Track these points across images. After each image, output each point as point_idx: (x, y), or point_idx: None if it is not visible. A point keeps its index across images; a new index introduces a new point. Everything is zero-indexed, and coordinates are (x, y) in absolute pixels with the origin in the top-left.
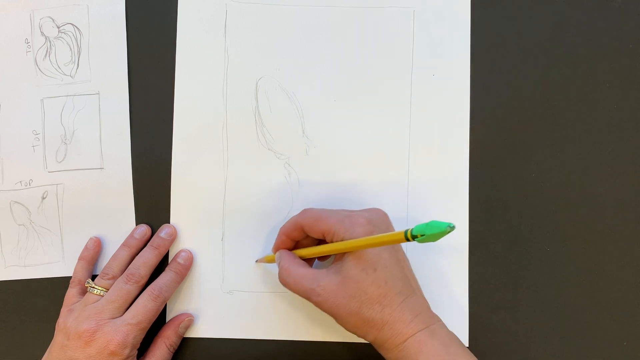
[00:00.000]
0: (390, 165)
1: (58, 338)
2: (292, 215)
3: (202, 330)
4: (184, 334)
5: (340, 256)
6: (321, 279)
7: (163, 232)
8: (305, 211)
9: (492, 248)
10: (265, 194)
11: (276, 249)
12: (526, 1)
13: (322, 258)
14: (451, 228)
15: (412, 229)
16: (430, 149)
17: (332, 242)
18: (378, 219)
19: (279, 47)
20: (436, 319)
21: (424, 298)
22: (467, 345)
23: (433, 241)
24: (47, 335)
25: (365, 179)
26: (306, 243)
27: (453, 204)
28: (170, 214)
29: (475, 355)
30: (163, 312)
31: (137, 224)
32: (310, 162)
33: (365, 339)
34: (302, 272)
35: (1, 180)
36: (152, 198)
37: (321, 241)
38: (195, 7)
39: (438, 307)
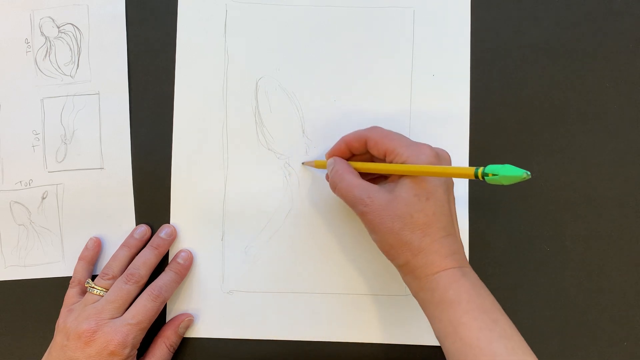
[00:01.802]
0: None
1: (58, 338)
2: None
3: (202, 330)
4: (184, 334)
5: (395, 178)
6: (372, 192)
7: (163, 232)
8: (374, 127)
9: (492, 248)
10: (265, 194)
11: (331, 155)
12: (526, 1)
13: (373, 181)
14: (528, 175)
15: (484, 168)
16: None
17: (392, 162)
18: (444, 157)
19: (279, 47)
20: (468, 264)
21: (462, 242)
22: None
23: (504, 184)
24: (47, 335)
25: None
26: (361, 159)
27: None
28: (170, 214)
29: None
30: (163, 312)
31: (137, 224)
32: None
33: (395, 262)
34: (355, 181)
35: (1, 180)
36: (152, 198)
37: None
38: (195, 7)
39: None
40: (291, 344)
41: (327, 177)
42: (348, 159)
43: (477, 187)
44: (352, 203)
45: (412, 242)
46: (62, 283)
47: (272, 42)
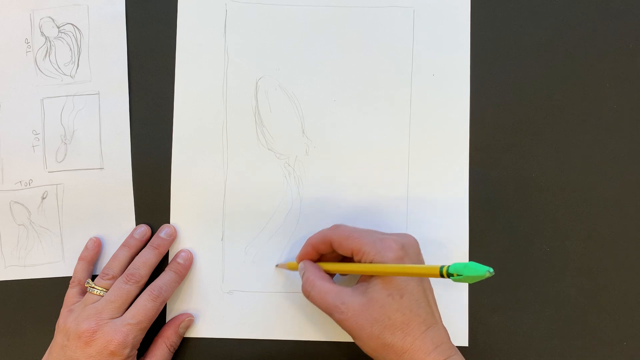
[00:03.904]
0: (390, 164)
1: (58, 338)
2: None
3: (202, 330)
4: (184, 334)
5: (366, 277)
6: (346, 297)
7: (163, 232)
8: (336, 227)
9: (492, 248)
10: (265, 194)
11: (300, 258)
12: (526, 1)
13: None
14: (490, 274)
15: (448, 267)
16: (430, 149)
17: (360, 262)
18: (409, 246)
19: (279, 47)
20: (455, 351)
21: (445, 329)
22: (466, 345)
23: (469, 282)
24: (47, 336)
25: (365, 179)
26: (330, 258)
27: (453, 204)
28: (170, 214)
29: (475, 355)
30: (163, 312)
31: (137, 224)
32: (310, 162)
33: None
34: (327, 287)
35: (1, 180)
36: (152, 198)
37: (345, 258)
38: (195, 7)
39: (438, 307)
40: (291, 344)
41: (302, 286)
42: (318, 259)
43: (477, 187)
44: (328, 310)
45: (394, 344)
46: (62, 283)
47: (272, 42)
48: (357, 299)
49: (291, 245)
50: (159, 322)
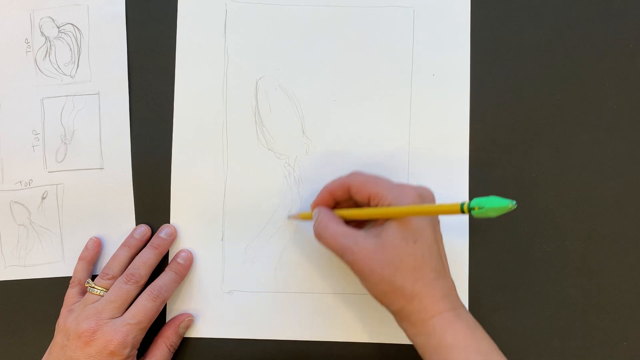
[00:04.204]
0: (390, 164)
1: (58, 338)
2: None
3: (202, 330)
4: (184, 334)
5: (381, 222)
6: (359, 239)
7: (163, 232)
8: (354, 173)
9: (492, 248)
10: (265, 194)
11: (316, 205)
12: (526, 1)
13: (359, 225)
14: (513, 206)
15: (469, 202)
16: (430, 149)
17: (376, 207)
18: (427, 197)
19: (279, 47)
20: (462, 304)
21: (453, 282)
22: None
23: (491, 216)
24: (47, 335)
25: None
26: (346, 206)
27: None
28: (170, 214)
29: None
30: (163, 312)
31: (137, 224)
32: (310, 162)
33: (389, 308)
34: (340, 229)
35: (1, 180)
36: (152, 198)
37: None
38: (195, 7)
39: None
40: (291, 344)
41: (314, 229)
42: (333, 208)
43: (477, 187)
44: (339, 252)
45: (404, 288)
46: (62, 283)
47: (272, 42)
48: (371, 241)
49: (291, 245)
50: (159, 322)
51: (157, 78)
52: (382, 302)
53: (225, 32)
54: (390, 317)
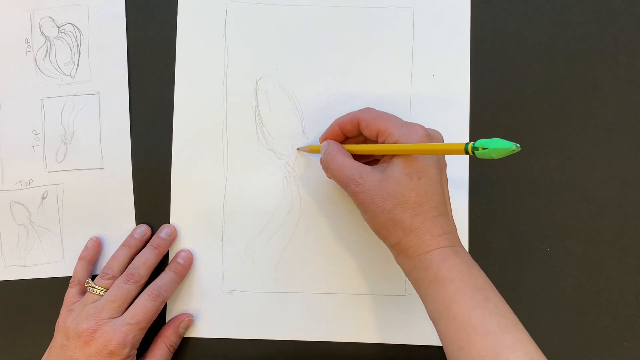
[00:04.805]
0: None
1: (58, 338)
2: (291, 212)
3: (202, 330)
4: (184, 334)
5: (387, 158)
6: (365, 172)
7: (163, 232)
8: (366, 108)
9: (492, 248)
10: (265, 194)
11: (325, 138)
12: (526, 1)
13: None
14: (517, 148)
15: (473, 142)
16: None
17: (384, 143)
18: (436, 136)
19: (279, 47)
20: (461, 244)
21: (454, 223)
22: None
23: (494, 157)
24: (47, 335)
25: None
26: (354, 143)
27: (453, 204)
28: (170, 214)
29: None
30: (163, 312)
31: (137, 224)
32: (310, 162)
33: (387, 242)
34: (347, 162)
35: (1, 180)
36: (152, 198)
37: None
38: (195, 7)
39: None
40: (291, 344)
41: (321, 161)
42: (342, 142)
43: (477, 187)
44: (345, 183)
45: (403, 221)
46: (62, 283)
47: (272, 41)
48: (376, 175)
49: (291, 245)
50: (159, 322)
51: (157, 78)
52: (380, 235)
53: (225, 32)
54: (390, 318)
